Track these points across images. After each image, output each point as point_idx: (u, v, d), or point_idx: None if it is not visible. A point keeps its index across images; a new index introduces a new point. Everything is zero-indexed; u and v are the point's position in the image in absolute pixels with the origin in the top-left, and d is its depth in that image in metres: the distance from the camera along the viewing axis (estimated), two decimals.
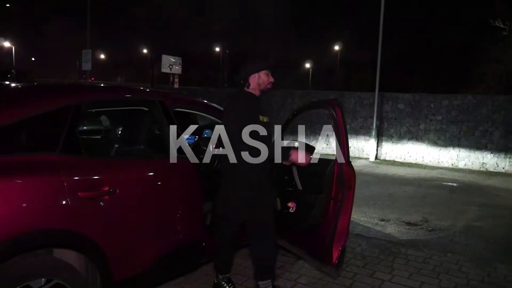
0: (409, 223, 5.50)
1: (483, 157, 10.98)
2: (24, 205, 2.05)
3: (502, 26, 15.71)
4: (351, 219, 5.48)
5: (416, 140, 11.89)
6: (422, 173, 10.19)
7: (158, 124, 3.12)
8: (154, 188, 2.77)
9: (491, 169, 10.84)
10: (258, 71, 2.82)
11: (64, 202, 2.20)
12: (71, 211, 2.23)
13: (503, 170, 10.70)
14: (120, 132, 3.66)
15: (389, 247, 4.49)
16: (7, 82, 2.97)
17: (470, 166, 11.12)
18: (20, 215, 2.03)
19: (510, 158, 10.66)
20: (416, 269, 3.87)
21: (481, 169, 10.94)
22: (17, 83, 2.95)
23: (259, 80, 2.83)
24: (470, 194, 7.77)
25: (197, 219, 3.08)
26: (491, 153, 10.88)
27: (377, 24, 12.27)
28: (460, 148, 11.27)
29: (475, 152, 11.06)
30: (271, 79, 2.85)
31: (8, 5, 40.62)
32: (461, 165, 11.25)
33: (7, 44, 42.64)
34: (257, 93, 2.87)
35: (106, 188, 2.41)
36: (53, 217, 2.16)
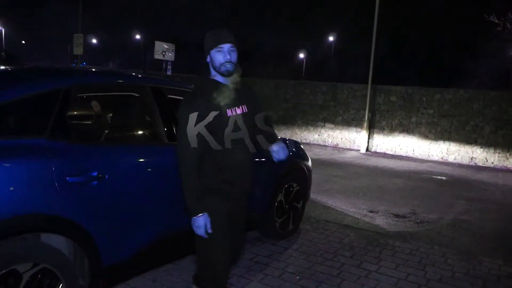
0: (397, 215, 5.55)
1: (472, 152, 11.09)
2: (11, 189, 2.03)
3: (496, 21, 15.74)
4: (341, 210, 5.56)
5: (407, 133, 11.97)
6: (412, 166, 10.27)
7: (149, 110, 3.10)
8: (144, 174, 2.76)
9: (480, 164, 10.96)
10: (208, 52, 2.23)
11: (52, 187, 2.18)
12: (59, 195, 2.21)
13: (492, 165, 10.83)
14: (111, 117, 3.63)
15: (377, 238, 4.53)
16: None
17: (459, 160, 11.23)
18: (6, 199, 2.02)
19: (499, 153, 10.78)
20: (402, 261, 3.92)
21: (471, 163, 11.06)
22: (6, 66, 2.90)
23: (212, 63, 2.23)
24: (458, 188, 7.86)
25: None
26: (481, 147, 10.99)
27: (372, 16, 12.25)
28: (451, 142, 11.37)
29: (465, 146, 11.17)
30: (228, 56, 2.17)
31: None
32: (451, 159, 11.36)
33: None
34: (219, 77, 2.26)
35: (95, 173, 2.40)
36: (40, 201, 2.15)
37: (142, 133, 3.26)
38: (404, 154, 11.97)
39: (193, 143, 2.12)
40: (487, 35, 19.68)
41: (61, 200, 2.23)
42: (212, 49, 2.20)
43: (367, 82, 12.23)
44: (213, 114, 2.13)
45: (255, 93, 2.46)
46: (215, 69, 2.24)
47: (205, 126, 2.11)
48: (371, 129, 12.40)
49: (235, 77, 2.28)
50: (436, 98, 11.50)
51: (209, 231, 2.22)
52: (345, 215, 5.38)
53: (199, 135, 2.12)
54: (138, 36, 51.16)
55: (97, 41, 55.00)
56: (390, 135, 12.25)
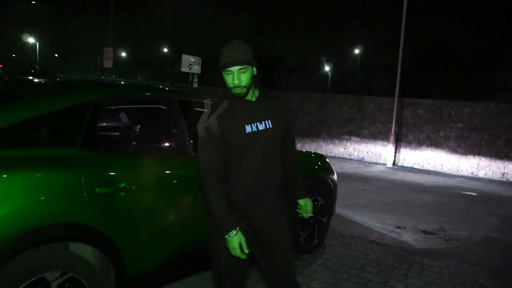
0: (425, 232, 5.42)
1: (504, 167, 10.75)
2: (42, 198, 2.09)
3: None
4: (367, 225, 5.46)
5: (436, 147, 11.71)
6: (440, 181, 10.03)
7: (176, 123, 3.14)
8: (171, 186, 2.79)
9: None
10: (220, 71, 2.06)
11: (81, 197, 2.23)
12: (88, 206, 2.26)
13: None
14: (138, 129, 3.70)
15: (404, 255, 4.42)
16: (30, 77, 3.03)
17: (490, 175, 10.90)
18: (37, 208, 2.07)
19: None
20: (431, 279, 3.81)
21: (502, 179, 10.71)
22: (40, 78, 3.01)
23: (226, 83, 2.05)
24: (489, 204, 7.61)
25: None
26: None
27: (398, 28, 12.14)
28: (481, 157, 11.05)
29: (496, 161, 10.84)
30: (236, 81, 1.99)
31: (33, 1, 41.49)
32: (481, 174, 11.03)
33: (31, 40, 43.59)
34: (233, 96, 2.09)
35: (123, 185, 2.44)
36: (69, 211, 2.19)
37: (169, 145, 3.31)
38: (432, 169, 11.71)
39: (209, 159, 2.04)
40: None
41: (89, 210, 2.27)
42: (222, 70, 2.02)
43: (393, 95, 12.06)
44: (227, 130, 2.02)
45: (283, 105, 2.22)
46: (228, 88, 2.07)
47: (219, 142, 2.02)
48: (398, 143, 12.20)
49: (254, 92, 2.12)
50: (466, 112, 11.23)
51: (246, 251, 2.01)
52: (371, 230, 5.28)
53: (214, 152, 2.03)
54: (165, 49, 52.22)
55: (126, 54, 56.44)
56: (417, 149, 12.02)
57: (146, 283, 2.70)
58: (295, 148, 2.38)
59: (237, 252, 2.01)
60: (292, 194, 2.40)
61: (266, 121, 2.10)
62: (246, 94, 2.05)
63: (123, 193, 2.43)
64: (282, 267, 2.21)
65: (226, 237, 2.01)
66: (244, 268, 2.20)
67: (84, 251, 2.35)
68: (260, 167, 2.08)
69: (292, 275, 2.24)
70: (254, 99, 2.11)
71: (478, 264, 4.32)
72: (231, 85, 2.01)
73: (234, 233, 2.00)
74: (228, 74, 2.00)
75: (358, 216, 5.93)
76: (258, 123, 2.08)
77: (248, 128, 2.05)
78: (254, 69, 2.05)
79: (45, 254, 2.14)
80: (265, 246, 2.19)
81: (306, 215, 2.43)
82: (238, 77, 1.98)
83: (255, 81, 2.09)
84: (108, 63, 16.72)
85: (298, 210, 2.42)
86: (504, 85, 24.27)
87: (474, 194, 8.56)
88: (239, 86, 2.00)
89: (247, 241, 2.06)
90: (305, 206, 2.41)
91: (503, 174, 10.76)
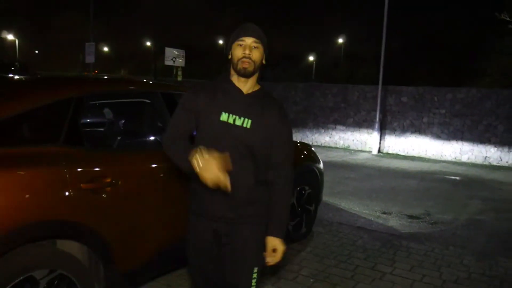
0: (411, 216, 5.50)
1: (486, 151, 10.95)
2: (27, 196, 2.06)
3: (508, 19, 15.54)
4: (354, 212, 5.52)
5: (419, 133, 11.87)
6: (425, 166, 10.17)
7: (161, 116, 3.12)
8: (157, 180, 2.78)
9: (495, 163, 10.81)
10: (230, 48, 1.91)
11: (66, 194, 2.21)
12: (74, 202, 2.24)
13: (506, 164, 10.67)
14: (122, 124, 3.67)
15: (390, 239, 4.49)
16: (10, 75, 2.98)
17: (473, 160, 11.10)
18: (23, 207, 2.04)
19: None
20: (417, 262, 3.88)
21: (485, 163, 10.92)
22: (20, 75, 2.96)
23: (232, 58, 1.89)
24: (473, 188, 7.76)
25: None
26: (495, 147, 10.85)
27: (381, 16, 12.20)
28: (464, 142, 11.24)
29: (479, 145, 11.03)
30: (247, 51, 1.84)
31: None
32: (464, 158, 11.23)
33: (10, 37, 42.69)
34: (234, 78, 1.92)
35: (109, 180, 2.42)
36: (55, 208, 2.17)
37: (154, 139, 3.29)
38: (416, 155, 11.86)
39: (175, 126, 1.90)
40: (499, 32, 19.45)
41: (75, 206, 2.25)
42: (233, 42, 1.87)
43: (377, 83, 12.16)
44: (202, 110, 1.86)
45: (277, 114, 1.94)
46: (233, 68, 1.89)
47: (190, 117, 1.88)
48: (383, 130, 12.32)
49: (253, 83, 1.93)
50: (448, 98, 11.38)
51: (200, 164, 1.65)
52: (358, 217, 5.34)
53: (180, 123, 1.90)
54: (148, 43, 51.66)
55: (108, 49, 55.64)
56: (402, 135, 12.15)
57: (137, 278, 2.69)
58: (286, 172, 1.96)
59: (212, 170, 1.63)
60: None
61: (246, 119, 1.86)
62: (252, 73, 1.87)
63: (108, 188, 2.42)
64: (232, 281, 1.95)
65: (194, 164, 1.66)
66: (205, 268, 2.01)
67: (72, 248, 2.33)
68: (236, 166, 1.77)
69: None
70: (247, 92, 1.91)
71: (463, 246, 4.41)
72: (240, 56, 1.84)
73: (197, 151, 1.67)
74: (240, 44, 1.85)
75: (345, 204, 5.98)
76: (237, 117, 1.86)
77: (223, 116, 1.85)
78: (264, 57, 1.91)
79: (32, 253, 2.12)
80: (220, 253, 1.97)
81: (269, 261, 1.96)
82: (249, 49, 1.84)
83: (259, 74, 1.94)
84: (90, 58, 16.49)
85: (264, 253, 1.96)
86: (484, 71, 24.61)
87: (457, 178, 8.71)
88: (248, 58, 1.83)
89: (204, 243, 1.93)
90: (271, 249, 1.94)
91: (485, 158, 10.96)
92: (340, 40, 44.69)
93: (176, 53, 17.98)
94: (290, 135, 2.01)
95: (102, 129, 3.81)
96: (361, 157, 11.36)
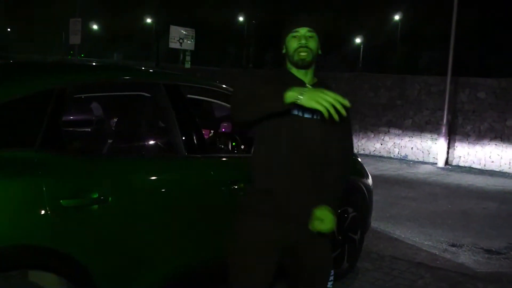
0: (489, 251, 5.40)
1: None
2: None
3: None
4: (412, 243, 5.45)
5: (502, 140, 11.65)
6: (508, 184, 9.99)
7: (163, 114, 3.15)
8: (157, 196, 2.79)
9: None
10: (284, 41, 2.33)
11: (42, 212, 2.23)
12: (51, 223, 2.26)
13: None
14: (115, 123, 3.72)
15: (461, 281, 4.42)
16: None
17: None
18: None
19: None
20: None
21: None
22: None
23: (287, 53, 2.32)
24: None
25: (210, 237, 3.10)
26: None
27: None
28: None
29: None
30: (303, 41, 2.24)
31: None
32: None
33: None
34: (294, 72, 2.34)
35: (96, 195, 2.44)
36: (27, 230, 2.20)
37: (155, 143, 3.31)
38: (497, 169, 11.66)
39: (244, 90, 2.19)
40: None
41: (53, 228, 2.28)
42: (287, 35, 2.29)
43: (445, 74, 12.01)
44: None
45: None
46: (290, 61, 2.31)
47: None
48: (452, 136, 12.16)
49: (312, 75, 2.36)
50: None
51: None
52: (418, 250, 5.28)
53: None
54: (149, 20, 52.35)
55: (99, 27, 56.67)
56: (477, 143, 11.96)
57: None
58: (344, 146, 2.45)
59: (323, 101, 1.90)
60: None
61: (316, 112, 2.11)
62: (310, 63, 2.28)
63: (96, 206, 2.44)
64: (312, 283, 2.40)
65: (289, 99, 1.94)
66: (263, 274, 2.32)
67: (48, 280, 2.36)
68: (305, 162, 2.24)
69: None
70: (309, 83, 2.31)
71: None
72: (297, 46, 2.24)
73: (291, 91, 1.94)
74: (294, 36, 2.26)
75: (400, 232, 5.92)
76: (306, 109, 2.15)
77: (294, 111, 2.20)
78: (319, 47, 2.31)
79: None
80: (296, 255, 2.37)
81: (322, 228, 2.29)
82: (305, 39, 2.24)
83: (316, 65, 2.34)
84: (75, 39, 16.83)
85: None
86: None
87: None
88: (306, 47, 2.24)
89: (273, 242, 2.27)
90: (319, 218, 2.28)
91: None
92: (396, 17, 44.41)
93: (184, 33, 18.20)
94: (349, 116, 2.26)
95: (89, 130, 3.86)
96: (422, 170, 11.24)
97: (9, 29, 60.62)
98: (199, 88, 3.42)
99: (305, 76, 2.32)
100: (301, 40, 2.24)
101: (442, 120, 12.07)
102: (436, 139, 12.38)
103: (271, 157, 2.28)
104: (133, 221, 2.64)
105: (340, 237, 4.18)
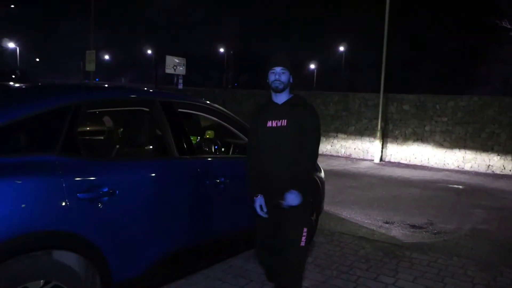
0: (414, 226, 5.45)
1: (489, 159, 10.90)
2: (22, 206, 2.04)
3: (509, 26, 15.60)
4: (355, 221, 5.48)
5: (422, 141, 11.82)
6: (427, 175, 10.12)
7: (160, 125, 3.11)
8: (155, 189, 2.75)
9: (498, 172, 10.75)
10: (266, 73, 2.77)
11: (62, 204, 2.18)
12: (70, 212, 2.21)
13: (510, 173, 10.61)
14: (121, 132, 3.65)
15: (393, 250, 4.45)
16: (10, 83, 2.97)
17: (476, 168, 11.04)
18: (17, 217, 2.02)
19: None
20: (420, 273, 3.83)
21: (488, 171, 10.86)
22: (20, 83, 2.95)
23: (268, 82, 2.77)
24: (476, 196, 7.71)
25: (197, 222, 3.07)
26: (498, 155, 10.79)
27: (382, 24, 12.23)
28: (466, 150, 11.19)
29: (482, 154, 10.98)
30: (277, 77, 2.70)
31: (12, 6, 40.83)
32: (467, 167, 11.17)
33: (11, 45, 42.93)
34: (273, 95, 2.82)
35: (106, 189, 2.40)
36: (51, 218, 2.15)
37: (153, 148, 3.27)
38: (419, 163, 11.81)
39: (250, 139, 2.89)
40: (499, 40, 19.52)
41: (71, 216, 2.23)
42: (268, 71, 2.74)
43: (379, 91, 12.14)
44: (257, 124, 2.79)
45: (305, 113, 2.75)
46: (270, 87, 2.76)
47: (253, 132, 2.84)
48: (385, 139, 12.28)
49: (286, 94, 2.78)
50: (450, 106, 11.36)
51: (261, 211, 2.74)
52: (360, 227, 5.30)
53: (252, 136, 2.85)
54: (149, 51, 51.90)
55: (109, 57, 55.90)
56: (404, 144, 12.11)
57: None
58: (307, 148, 2.73)
59: (257, 209, 2.75)
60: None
61: (283, 120, 2.71)
62: (283, 89, 2.73)
63: (106, 198, 2.39)
64: (289, 235, 2.75)
65: (254, 198, 2.77)
66: (266, 229, 2.86)
67: (68, 258, 2.30)
68: (277, 155, 2.71)
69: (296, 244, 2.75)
70: (281, 103, 2.77)
71: (467, 256, 4.36)
72: (273, 79, 2.71)
73: (257, 196, 2.76)
74: (272, 72, 2.72)
75: (346, 213, 5.94)
76: (277, 121, 2.72)
77: (269, 123, 2.74)
78: (291, 77, 2.75)
79: (27, 264, 2.10)
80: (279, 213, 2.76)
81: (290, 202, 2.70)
82: (279, 75, 2.70)
83: (291, 87, 2.79)
84: (90, 66, 16.54)
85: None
86: (486, 78, 24.66)
87: (460, 187, 8.66)
88: (279, 80, 2.70)
89: (268, 205, 2.75)
90: (289, 200, 2.70)
91: (489, 167, 10.91)
92: (341, 48, 44.85)
93: (177, 61, 18.05)
94: (315, 124, 2.77)
95: (101, 138, 3.79)
96: (363, 165, 11.33)
97: (37, 59, 59.32)
98: (188, 104, 3.38)
99: (280, 97, 2.77)
100: (276, 76, 2.70)
101: (377, 126, 12.19)
102: (373, 141, 12.50)
103: (259, 156, 2.78)
104: (136, 209, 2.61)
105: None
